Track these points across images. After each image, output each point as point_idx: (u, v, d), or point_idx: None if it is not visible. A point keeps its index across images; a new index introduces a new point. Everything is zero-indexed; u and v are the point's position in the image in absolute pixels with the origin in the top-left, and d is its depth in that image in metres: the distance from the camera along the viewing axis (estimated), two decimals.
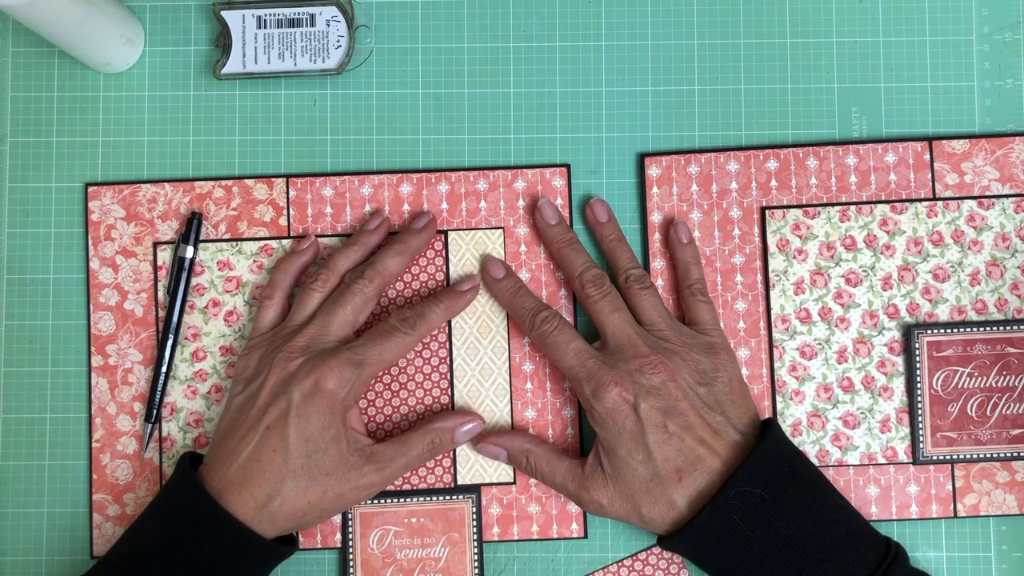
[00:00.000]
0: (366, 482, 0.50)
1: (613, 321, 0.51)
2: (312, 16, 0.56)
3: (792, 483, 0.48)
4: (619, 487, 0.49)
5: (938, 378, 0.55)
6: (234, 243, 0.56)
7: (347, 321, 0.51)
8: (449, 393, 0.56)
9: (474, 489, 0.55)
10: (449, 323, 0.55)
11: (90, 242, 0.56)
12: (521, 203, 0.57)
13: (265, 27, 0.56)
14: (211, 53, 0.58)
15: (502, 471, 0.55)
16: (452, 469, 0.55)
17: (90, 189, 0.57)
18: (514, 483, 0.55)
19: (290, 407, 0.48)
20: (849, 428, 0.55)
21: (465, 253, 0.55)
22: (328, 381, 0.48)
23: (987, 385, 0.55)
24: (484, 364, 0.55)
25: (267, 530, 0.48)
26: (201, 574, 0.47)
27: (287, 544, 0.51)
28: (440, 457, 0.55)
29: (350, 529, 0.54)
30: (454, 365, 0.55)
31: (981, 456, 0.55)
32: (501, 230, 0.56)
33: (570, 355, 0.51)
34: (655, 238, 0.56)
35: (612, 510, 0.50)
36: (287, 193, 0.57)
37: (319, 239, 0.56)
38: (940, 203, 0.56)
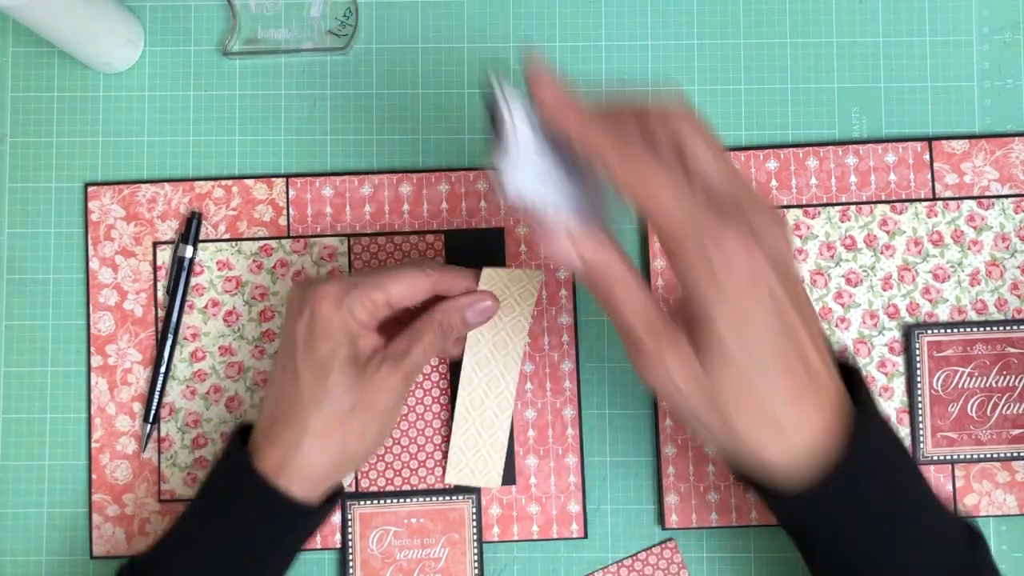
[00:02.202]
0: (388, 383, 0.47)
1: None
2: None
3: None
4: (738, 363, 0.36)
5: (938, 378, 0.55)
6: (234, 243, 0.56)
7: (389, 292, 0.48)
8: (449, 393, 0.55)
9: (474, 489, 0.55)
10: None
11: (90, 242, 0.56)
12: None
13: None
14: (212, 53, 0.58)
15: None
16: None
17: (90, 189, 0.57)
18: (514, 483, 0.55)
19: (296, 342, 0.47)
20: None
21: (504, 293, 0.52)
22: (321, 306, 0.46)
23: (987, 385, 0.55)
24: (493, 376, 0.53)
25: (303, 484, 0.45)
26: (240, 535, 0.46)
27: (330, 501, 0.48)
28: (440, 457, 0.55)
29: (350, 529, 0.54)
30: (461, 372, 0.53)
31: (981, 456, 0.55)
32: (501, 230, 0.56)
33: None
34: (655, 238, 0.56)
35: (695, 393, 0.37)
36: (287, 193, 0.57)
37: (320, 239, 0.56)
38: (940, 203, 0.56)
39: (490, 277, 0.51)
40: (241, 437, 0.48)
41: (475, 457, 0.53)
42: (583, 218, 0.39)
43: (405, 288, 0.48)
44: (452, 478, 0.54)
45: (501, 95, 0.36)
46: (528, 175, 0.37)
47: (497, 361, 0.53)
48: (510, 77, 0.41)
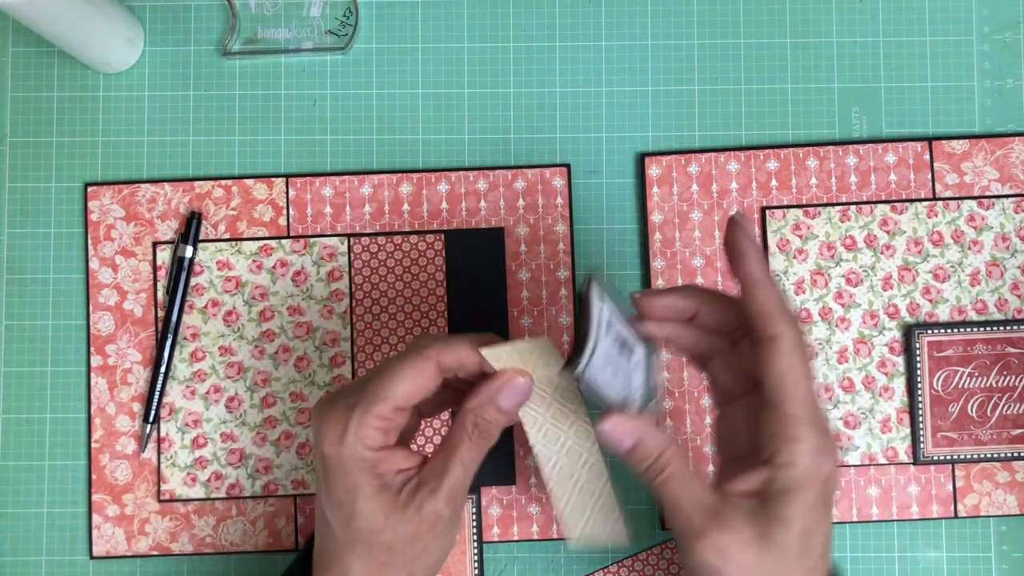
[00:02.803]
0: (427, 515, 0.40)
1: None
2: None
3: None
4: (771, 552, 0.38)
5: (938, 378, 0.55)
6: (233, 243, 0.56)
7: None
8: None
9: (474, 489, 0.55)
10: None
11: (90, 242, 0.56)
12: (521, 203, 0.57)
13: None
14: (212, 53, 0.58)
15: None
16: None
17: (90, 189, 0.57)
18: (514, 484, 0.55)
19: (319, 481, 0.42)
20: (850, 428, 0.55)
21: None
22: (323, 444, 0.41)
23: (987, 385, 0.55)
24: (569, 448, 0.44)
25: None
26: None
27: None
28: None
29: None
30: (535, 454, 0.44)
31: (981, 456, 0.55)
32: (501, 230, 0.56)
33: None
34: (655, 238, 0.56)
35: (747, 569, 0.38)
36: (287, 193, 0.57)
37: (320, 239, 0.56)
38: (940, 203, 0.56)
39: (499, 357, 0.42)
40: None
41: (592, 521, 0.44)
42: (641, 403, 0.42)
43: (410, 384, 0.41)
44: (576, 543, 0.45)
45: (595, 295, 0.40)
46: (603, 365, 0.40)
47: (564, 429, 0.44)
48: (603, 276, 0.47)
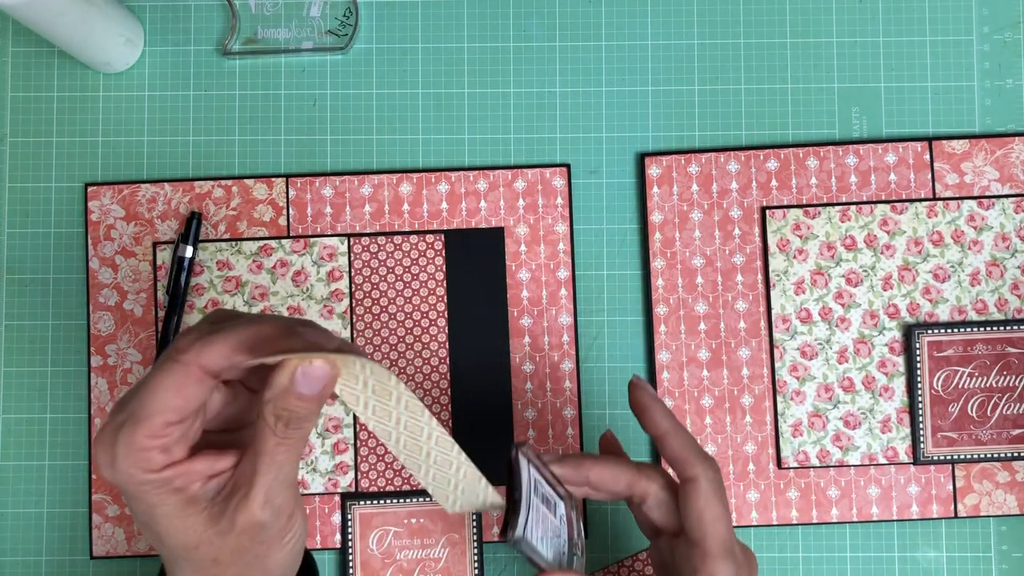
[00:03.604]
0: (243, 521, 0.36)
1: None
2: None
3: None
4: None
5: (939, 378, 0.55)
6: (233, 243, 0.56)
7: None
8: (449, 393, 0.55)
9: None
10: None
11: (90, 242, 0.56)
12: (521, 203, 0.57)
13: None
14: (212, 53, 0.58)
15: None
16: None
17: (90, 189, 0.57)
18: None
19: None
20: (850, 428, 0.55)
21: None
22: (102, 469, 0.35)
23: (987, 385, 0.55)
24: (407, 423, 0.39)
25: None
26: None
27: None
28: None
29: (350, 529, 0.54)
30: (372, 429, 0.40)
31: (981, 456, 0.55)
32: (501, 230, 0.56)
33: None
34: (655, 238, 0.56)
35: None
36: (287, 193, 0.57)
37: (320, 239, 0.56)
38: (940, 203, 0.56)
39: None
40: None
41: (459, 490, 0.43)
42: (569, 556, 0.45)
43: (173, 397, 0.34)
44: (453, 512, 0.45)
45: (522, 462, 0.42)
46: (535, 525, 0.42)
47: (390, 404, 0.39)
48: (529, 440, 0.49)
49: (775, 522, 0.55)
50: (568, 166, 0.57)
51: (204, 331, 0.35)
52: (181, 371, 0.35)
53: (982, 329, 0.55)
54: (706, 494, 0.42)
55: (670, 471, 0.45)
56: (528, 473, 0.42)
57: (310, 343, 0.36)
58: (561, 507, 0.44)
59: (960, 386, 0.55)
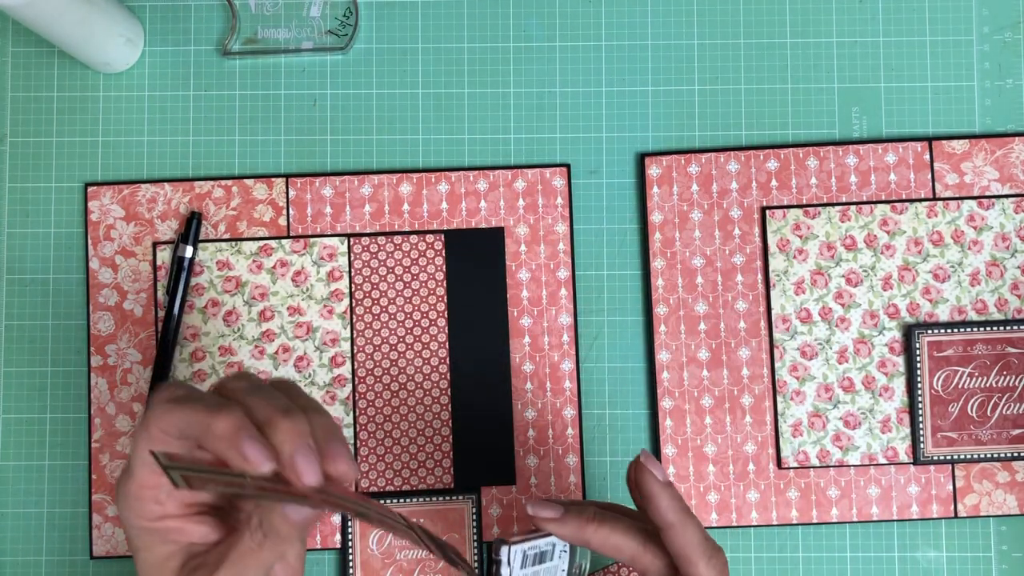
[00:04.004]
0: None
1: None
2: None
3: None
4: None
5: (938, 378, 0.55)
6: (233, 243, 0.56)
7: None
8: (449, 393, 0.55)
9: (474, 489, 0.55)
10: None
11: (90, 242, 0.56)
12: (521, 203, 0.57)
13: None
14: (212, 53, 0.58)
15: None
16: (452, 470, 0.55)
17: (90, 189, 0.57)
18: (514, 483, 0.55)
19: None
20: (850, 428, 0.55)
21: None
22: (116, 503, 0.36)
23: (987, 385, 0.55)
24: None
25: None
26: None
27: None
28: (440, 458, 0.55)
29: (350, 529, 0.54)
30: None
31: (981, 456, 0.55)
32: (501, 230, 0.56)
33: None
34: (655, 238, 0.56)
35: None
36: (287, 193, 0.57)
37: (320, 239, 0.56)
38: (940, 203, 0.56)
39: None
40: None
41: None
42: None
43: (151, 471, 0.34)
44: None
45: (504, 559, 0.43)
46: None
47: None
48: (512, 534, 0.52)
49: (775, 522, 0.55)
50: (568, 166, 0.57)
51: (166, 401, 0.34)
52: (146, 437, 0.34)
53: (982, 329, 0.55)
54: None
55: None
56: (510, 571, 0.44)
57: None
58: (559, 545, 0.45)
59: (960, 386, 0.55)
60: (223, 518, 0.37)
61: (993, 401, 0.55)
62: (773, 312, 0.56)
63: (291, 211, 0.57)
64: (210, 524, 0.37)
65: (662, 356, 0.56)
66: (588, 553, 0.48)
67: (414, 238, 0.56)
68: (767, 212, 0.56)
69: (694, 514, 0.42)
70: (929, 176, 0.56)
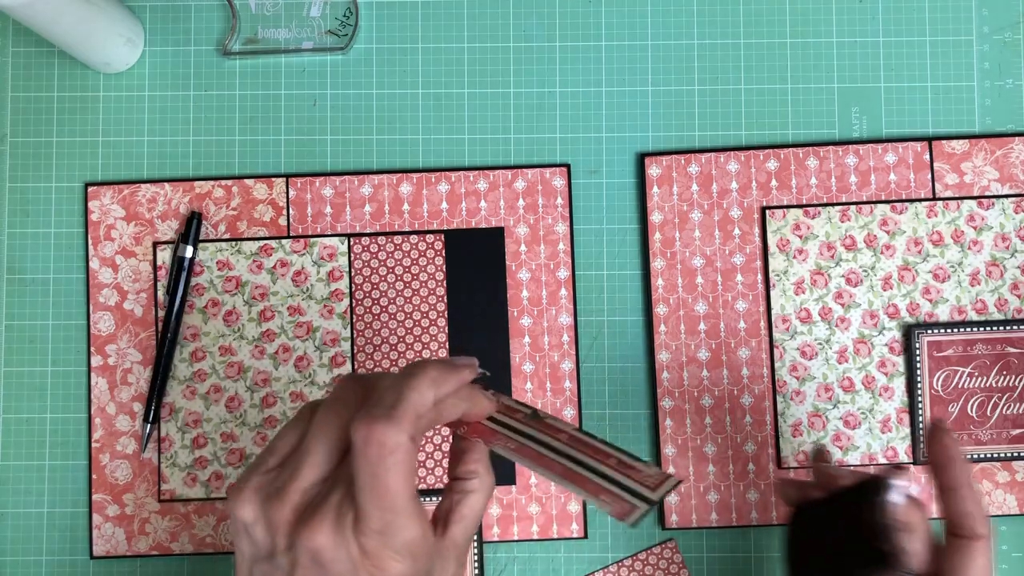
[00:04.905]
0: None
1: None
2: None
3: None
4: None
5: (938, 378, 0.55)
6: (234, 243, 0.56)
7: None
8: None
9: None
10: None
11: (90, 242, 0.56)
12: (521, 203, 0.57)
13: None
14: (212, 53, 0.58)
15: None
16: None
17: (90, 189, 0.57)
18: (514, 483, 0.55)
19: None
20: (850, 428, 0.55)
21: None
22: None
23: (987, 385, 0.55)
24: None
25: None
26: None
27: None
28: (440, 457, 0.55)
29: None
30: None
31: (981, 456, 0.55)
32: (501, 230, 0.56)
33: None
34: (655, 238, 0.56)
35: None
36: (287, 193, 0.57)
37: (320, 239, 0.56)
38: (940, 203, 0.56)
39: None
40: None
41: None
42: None
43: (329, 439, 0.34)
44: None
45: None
46: None
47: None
48: None
49: (775, 522, 0.55)
50: (568, 166, 0.57)
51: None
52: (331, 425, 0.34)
53: (982, 329, 0.55)
54: (983, 557, 0.41)
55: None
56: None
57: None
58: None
59: (960, 386, 0.55)
60: None
61: (993, 401, 0.55)
62: (773, 312, 0.56)
63: (291, 211, 0.57)
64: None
65: (662, 356, 0.56)
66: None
67: (414, 238, 0.56)
68: (767, 212, 0.56)
69: None
70: (929, 176, 0.56)
